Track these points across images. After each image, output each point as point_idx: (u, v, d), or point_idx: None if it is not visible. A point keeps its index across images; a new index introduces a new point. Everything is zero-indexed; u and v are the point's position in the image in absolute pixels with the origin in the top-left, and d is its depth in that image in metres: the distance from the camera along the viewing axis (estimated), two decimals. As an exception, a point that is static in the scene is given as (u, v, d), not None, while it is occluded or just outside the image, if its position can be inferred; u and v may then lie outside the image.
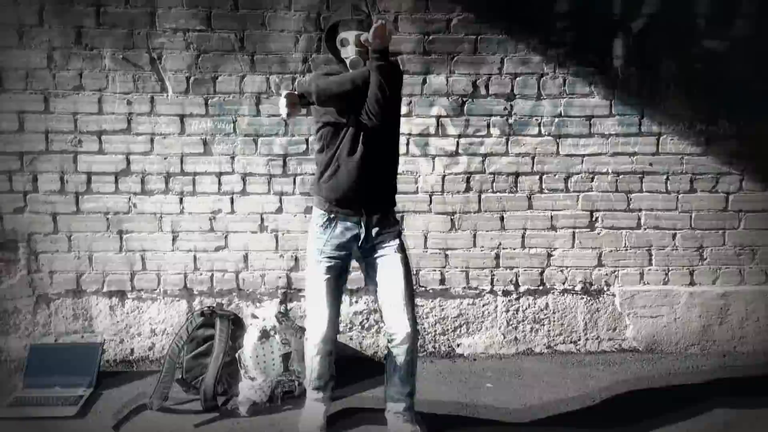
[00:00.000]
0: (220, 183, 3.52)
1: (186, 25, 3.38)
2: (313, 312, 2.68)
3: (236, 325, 3.35)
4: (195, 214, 3.54)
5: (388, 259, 2.61)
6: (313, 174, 2.96)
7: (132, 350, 3.61)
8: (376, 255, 2.63)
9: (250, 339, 3.27)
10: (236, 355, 3.25)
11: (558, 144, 3.56)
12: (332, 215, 2.59)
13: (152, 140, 3.47)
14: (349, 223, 2.59)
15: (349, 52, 2.50)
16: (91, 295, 3.58)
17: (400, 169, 3.40)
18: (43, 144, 3.44)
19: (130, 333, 3.62)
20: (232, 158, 3.50)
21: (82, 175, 3.48)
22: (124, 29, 3.37)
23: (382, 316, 2.69)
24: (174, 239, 3.55)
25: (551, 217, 3.62)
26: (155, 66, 3.40)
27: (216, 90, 3.44)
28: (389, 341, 2.63)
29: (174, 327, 3.56)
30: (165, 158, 3.49)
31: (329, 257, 2.62)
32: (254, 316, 3.44)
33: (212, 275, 3.59)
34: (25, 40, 3.35)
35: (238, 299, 3.61)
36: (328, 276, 2.63)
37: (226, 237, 3.57)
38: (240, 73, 3.44)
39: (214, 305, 3.49)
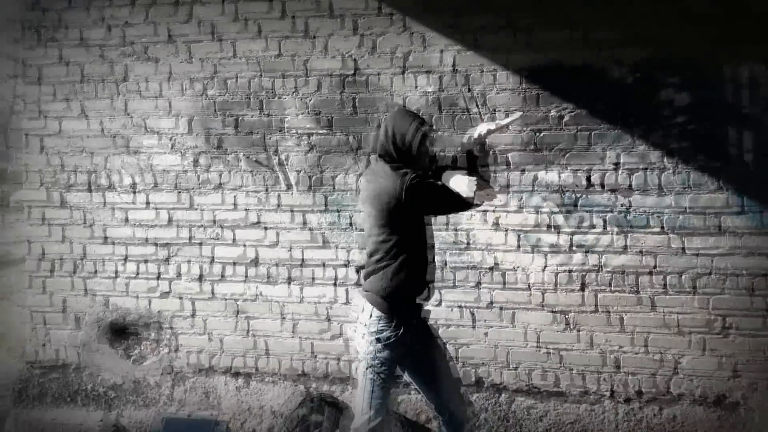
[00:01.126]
0: (336, 274, 3.85)
1: (310, 129, 3.83)
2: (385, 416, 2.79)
3: (343, 413, 3.59)
4: (314, 302, 3.89)
5: (433, 341, 2.86)
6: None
7: (253, 431, 3.96)
8: (420, 341, 2.80)
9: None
10: (342, 443, 3.47)
11: (683, 242, 3.46)
12: (407, 314, 2.75)
13: (278, 233, 3.91)
14: (412, 312, 2.78)
15: None
16: (221, 374, 4.02)
17: (510, 265, 3.54)
18: (188, 235, 4.01)
19: (253, 414, 3.99)
20: (348, 251, 3.83)
21: (218, 264, 3.99)
22: (257, 134, 3.88)
23: (438, 401, 2.84)
24: (294, 326, 3.92)
25: (678, 320, 3.49)
26: (282, 166, 3.87)
27: (335, 187, 3.82)
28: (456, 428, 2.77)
29: (291, 410, 3.87)
30: (289, 250, 3.90)
31: (394, 366, 2.78)
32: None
33: (327, 362, 3.89)
34: (176, 147, 3.98)
35: (352, 387, 3.86)
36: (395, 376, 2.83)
37: (341, 326, 3.86)
38: (357, 172, 3.79)
39: (325, 392, 3.76)
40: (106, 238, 4.12)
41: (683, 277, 3.49)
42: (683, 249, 3.48)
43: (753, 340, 3.43)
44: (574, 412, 3.65)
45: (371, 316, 2.74)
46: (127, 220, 4.09)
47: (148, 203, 4.06)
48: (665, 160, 3.48)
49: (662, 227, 3.50)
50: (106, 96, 4.04)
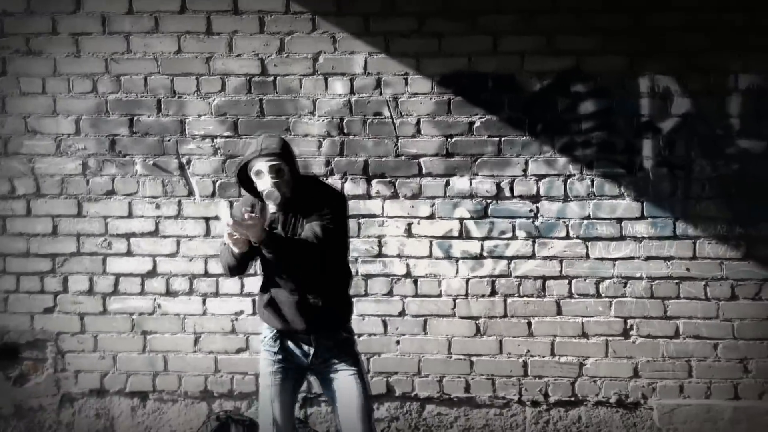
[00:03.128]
0: (242, 285, 3.80)
1: (214, 132, 3.76)
2: (265, 425, 2.81)
3: (251, 429, 3.55)
4: (217, 315, 3.83)
5: (341, 380, 2.77)
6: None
7: (151, 453, 3.85)
8: (329, 372, 2.79)
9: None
10: (251, 462, 3.43)
11: (587, 247, 3.70)
12: (278, 334, 2.80)
13: (178, 243, 3.81)
14: (297, 340, 2.78)
15: (265, 184, 2.65)
16: (114, 395, 3.89)
17: (423, 271, 3.67)
18: (75, 246, 3.82)
19: (151, 435, 3.87)
20: (255, 260, 3.77)
21: (111, 276, 3.84)
22: (155, 137, 3.76)
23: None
24: (196, 341, 3.84)
25: (582, 324, 3.72)
26: (183, 171, 3.78)
27: (241, 193, 3.74)
28: None
29: (194, 430, 3.78)
30: (190, 260, 3.81)
31: (282, 367, 2.79)
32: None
33: (233, 377, 3.84)
34: (62, 148, 3.78)
35: (258, 401, 3.81)
36: (280, 384, 2.79)
37: (247, 339, 3.83)
38: (264, 177, 3.75)
39: (232, 410, 3.71)
40: (-20, 249, 3.86)
41: (587, 281, 3.72)
42: (587, 254, 3.71)
43: (652, 342, 3.72)
44: (483, 416, 3.81)
45: None
46: (5, 229, 3.84)
47: (29, 211, 3.83)
48: (570, 167, 3.69)
49: (567, 233, 3.71)
50: (-21, 92, 3.78)
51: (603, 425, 3.76)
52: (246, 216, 2.48)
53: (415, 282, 3.78)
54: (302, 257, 2.65)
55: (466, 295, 3.77)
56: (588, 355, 3.74)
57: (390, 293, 3.79)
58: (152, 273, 3.84)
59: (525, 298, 3.75)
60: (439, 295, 3.78)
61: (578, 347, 3.74)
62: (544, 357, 3.76)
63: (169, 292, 3.85)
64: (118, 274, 3.86)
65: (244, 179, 2.77)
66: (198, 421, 3.83)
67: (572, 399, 3.76)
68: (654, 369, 3.72)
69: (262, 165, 2.66)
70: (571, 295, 3.74)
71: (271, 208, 2.66)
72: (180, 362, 3.87)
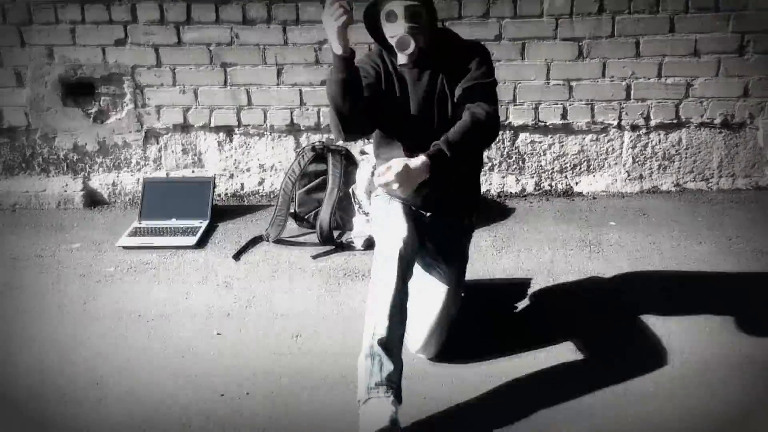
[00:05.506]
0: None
1: None
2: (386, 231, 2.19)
3: (348, 160, 3.50)
4: (299, 45, 3.58)
5: (430, 292, 2.34)
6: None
7: (242, 185, 3.86)
8: (425, 265, 2.38)
9: (363, 174, 3.41)
10: (350, 191, 3.42)
11: (712, -48, 3.32)
12: None
13: (254, -39, 3.45)
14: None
15: (397, 29, 2.13)
16: (199, 130, 3.78)
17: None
18: (140, -32, 3.49)
19: (239, 168, 3.85)
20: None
21: (182, 3, 3.53)
22: None
23: None
24: (279, 73, 3.64)
25: (696, 41, 3.46)
26: None
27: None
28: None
29: (282, 163, 3.76)
30: (268, -19, 3.49)
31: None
32: (363, 153, 3.57)
33: (319, 111, 3.70)
34: None
35: (347, 135, 3.72)
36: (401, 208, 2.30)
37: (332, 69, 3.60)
38: None
39: (324, 141, 3.63)
40: (36, -26, 3.52)
41: (706, -7, 3.40)
42: (710, -40, 3.35)
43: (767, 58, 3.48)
44: (579, 143, 3.72)
45: None
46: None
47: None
48: None
49: (690, -62, 3.31)
50: None
51: (703, 146, 3.67)
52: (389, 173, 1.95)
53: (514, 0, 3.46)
54: (476, 149, 2.26)
55: (571, 14, 3.47)
56: (697, 75, 3.53)
57: (486, 15, 3.49)
58: (226, -1, 3.53)
59: (636, 15, 3.44)
60: (540, 16, 3.48)
61: (687, 67, 3.53)
62: (649, 79, 3.56)
63: (245, 21, 3.57)
64: (190, 2, 3.54)
65: (371, 22, 2.23)
66: (287, 154, 3.79)
67: (675, 121, 3.63)
68: (766, 87, 3.53)
69: (395, 5, 2.13)
70: (686, 10, 3.42)
71: (401, 59, 2.16)
72: (264, 96, 3.71)
